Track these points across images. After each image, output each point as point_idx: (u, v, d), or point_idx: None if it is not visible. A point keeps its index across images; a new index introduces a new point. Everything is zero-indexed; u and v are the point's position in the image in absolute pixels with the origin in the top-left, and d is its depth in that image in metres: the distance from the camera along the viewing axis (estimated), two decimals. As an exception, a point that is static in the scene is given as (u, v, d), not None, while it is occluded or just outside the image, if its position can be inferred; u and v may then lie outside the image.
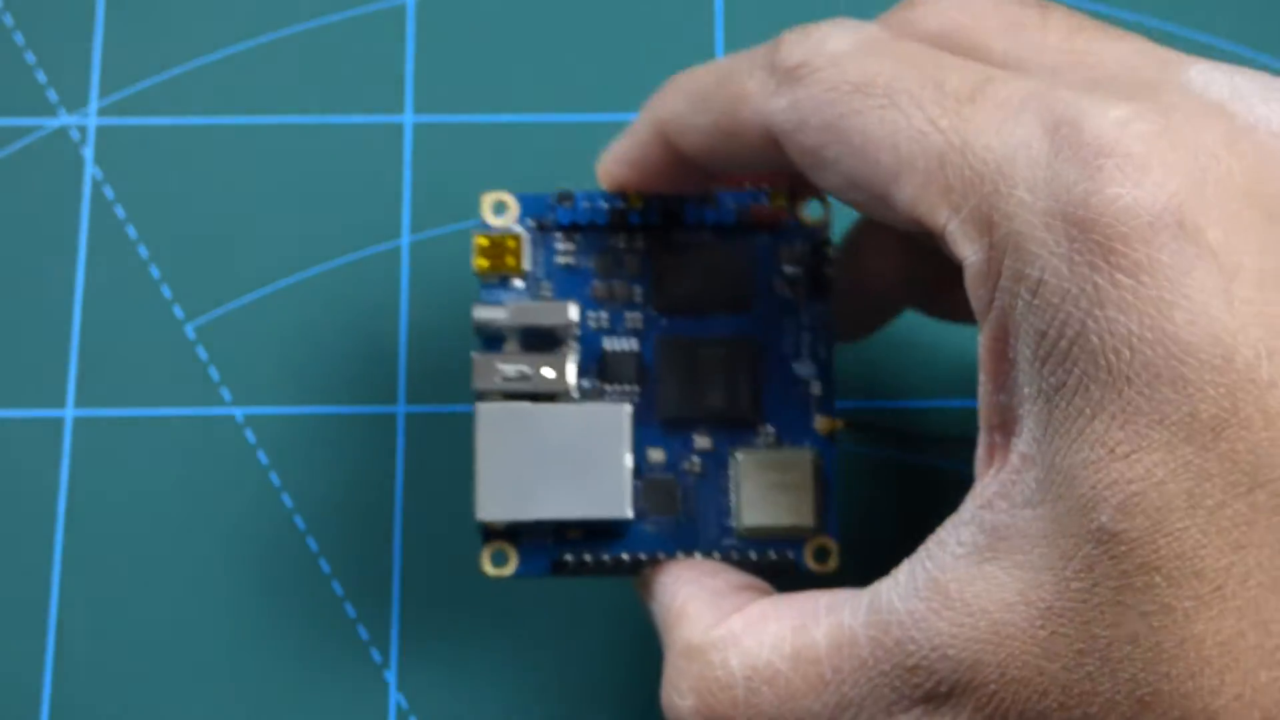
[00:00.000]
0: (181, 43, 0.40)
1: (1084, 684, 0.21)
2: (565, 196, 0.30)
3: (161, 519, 0.36)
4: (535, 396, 0.29)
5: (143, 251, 0.38)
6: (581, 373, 0.30)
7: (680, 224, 0.30)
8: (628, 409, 0.29)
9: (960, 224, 0.23)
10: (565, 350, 0.29)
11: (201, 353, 0.38)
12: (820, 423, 0.30)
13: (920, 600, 0.23)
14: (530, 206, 0.30)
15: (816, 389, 0.30)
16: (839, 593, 0.25)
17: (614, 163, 0.30)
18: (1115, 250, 0.21)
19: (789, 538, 0.29)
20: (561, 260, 0.30)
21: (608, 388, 0.30)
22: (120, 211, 0.38)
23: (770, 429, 0.30)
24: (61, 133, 0.39)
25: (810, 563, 0.29)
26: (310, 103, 0.39)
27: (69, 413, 0.37)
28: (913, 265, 0.32)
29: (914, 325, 0.35)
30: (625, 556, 0.29)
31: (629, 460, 0.29)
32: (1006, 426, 0.23)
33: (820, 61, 0.24)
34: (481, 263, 0.30)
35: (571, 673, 0.35)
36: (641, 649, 0.35)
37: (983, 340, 0.23)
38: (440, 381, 0.37)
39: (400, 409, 0.37)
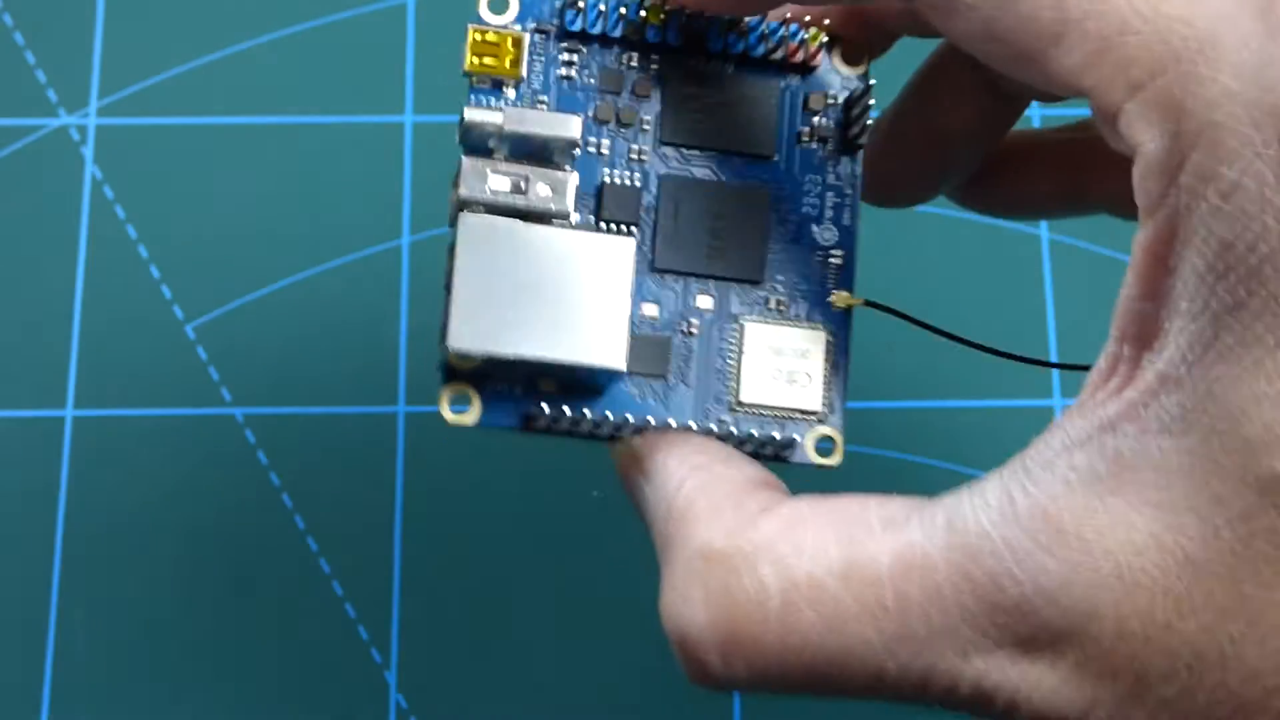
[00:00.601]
0: (181, 43, 0.40)
1: (1223, 649, 0.18)
2: (574, 2, 0.26)
3: (161, 519, 0.36)
4: (528, 215, 0.25)
5: (143, 251, 0.38)
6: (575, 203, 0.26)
7: (702, 50, 0.26)
8: (633, 244, 0.25)
9: (1140, 105, 0.19)
10: (570, 172, 0.25)
11: (201, 353, 0.38)
12: (838, 297, 0.26)
13: (1021, 529, 0.19)
14: (533, 6, 0.26)
15: (837, 258, 0.26)
16: (892, 500, 0.21)
17: None
18: None
19: (790, 419, 0.26)
20: (563, 72, 0.26)
21: (603, 226, 0.26)
22: (120, 211, 0.38)
23: (782, 296, 0.26)
24: (61, 133, 0.39)
25: (811, 453, 0.26)
26: (310, 103, 0.39)
27: (69, 413, 0.37)
28: (986, 126, 0.27)
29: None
30: (610, 416, 0.25)
31: (630, 304, 0.25)
32: (1144, 339, 0.20)
33: None
34: (473, 61, 0.26)
35: (571, 673, 0.35)
36: (643, 648, 0.35)
37: (1141, 239, 0.20)
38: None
39: (400, 409, 0.37)
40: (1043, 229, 0.40)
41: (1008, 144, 0.29)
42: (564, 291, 0.24)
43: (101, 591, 0.36)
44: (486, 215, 0.24)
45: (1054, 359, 0.39)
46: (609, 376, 0.25)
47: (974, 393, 0.38)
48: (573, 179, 0.25)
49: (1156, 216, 0.19)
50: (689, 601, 0.21)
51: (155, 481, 0.37)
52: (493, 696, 0.35)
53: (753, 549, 0.21)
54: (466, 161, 0.25)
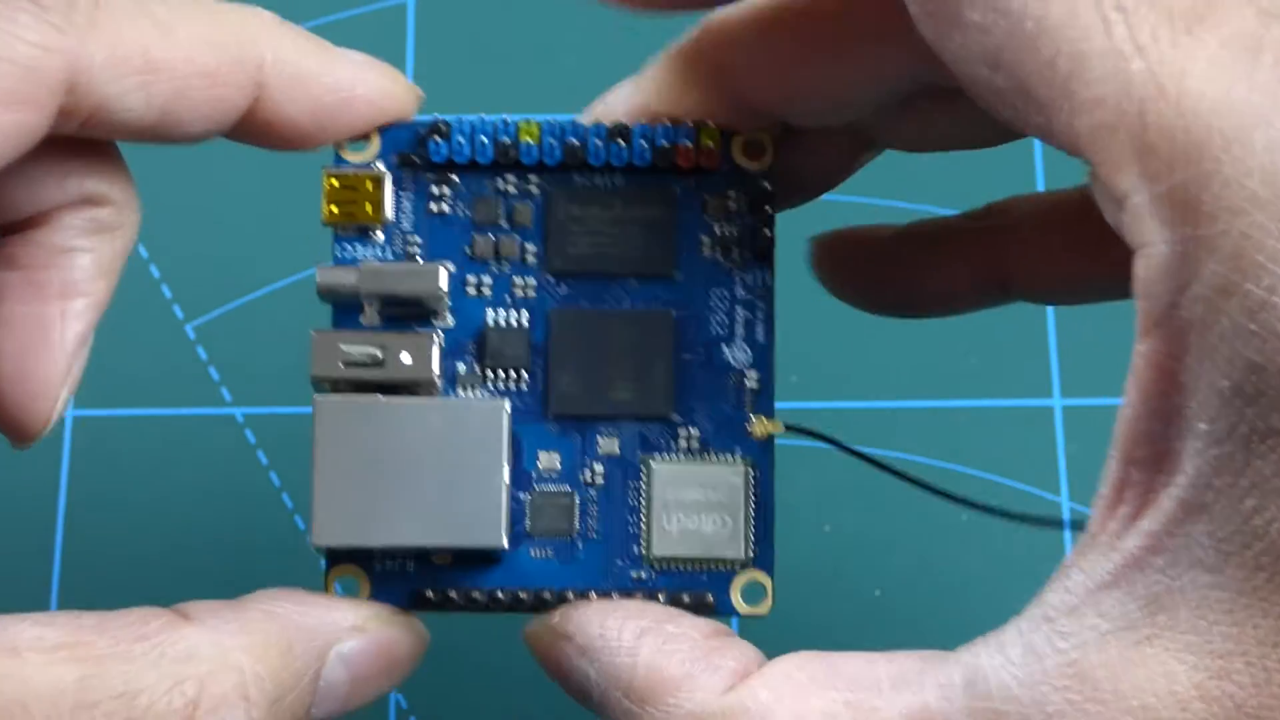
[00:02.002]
0: (181, 43, 0.40)
1: None
2: (438, 128, 0.24)
3: (161, 519, 0.36)
4: (390, 387, 0.23)
5: (143, 251, 0.38)
6: (455, 353, 0.24)
7: (583, 164, 0.24)
8: (505, 407, 0.23)
9: (1153, 200, 0.17)
10: (431, 329, 0.23)
11: (201, 353, 0.37)
12: (757, 424, 0.24)
13: (1052, 688, 0.18)
14: (396, 140, 0.24)
15: (752, 381, 0.24)
16: (899, 657, 0.20)
17: (624, 104, 0.24)
18: None
19: (712, 570, 0.24)
20: (434, 207, 0.24)
21: (489, 374, 0.24)
22: (120, 211, 0.38)
23: (693, 431, 0.24)
24: (61, 133, 0.39)
25: (738, 602, 0.24)
26: (310, 103, 0.39)
27: (69, 413, 0.37)
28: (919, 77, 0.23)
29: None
30: (501, 593, 0.23)
31: (506, 474, 0.23)
32: (1154, 461, 0.18)
33: None
34: (331, 211, 0.23)
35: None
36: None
37: (1145, 352, 0.18)
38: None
39: (400, 409, 0.37)
40: (1043, 229, 0.40)
41: (914, 234, 0.27)
42: (434, 467, 0.22)
43: (101, 591, 0.36)
44: (342, 396, 0.23)
45: (1054, 358, 0.39)
46: (496, 550, 0.23)
47: (974, 393, 0.38)
48: (435, 343, 0.23)
49: (1165, 327, 0.18)
50: None
51: (155, 481, 0.37)
52: (492, 696, 0.35)
53: (748, 716, 0.20)
54: (316, 336, 0.23)
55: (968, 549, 0.35)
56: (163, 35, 0.21)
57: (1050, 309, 0.39)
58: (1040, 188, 0.41)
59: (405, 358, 0.23)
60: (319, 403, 0.23)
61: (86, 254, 0.23)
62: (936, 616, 0.35)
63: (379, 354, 0.23)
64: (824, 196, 0.27)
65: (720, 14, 0.23)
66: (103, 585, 0.36)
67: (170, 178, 0.39)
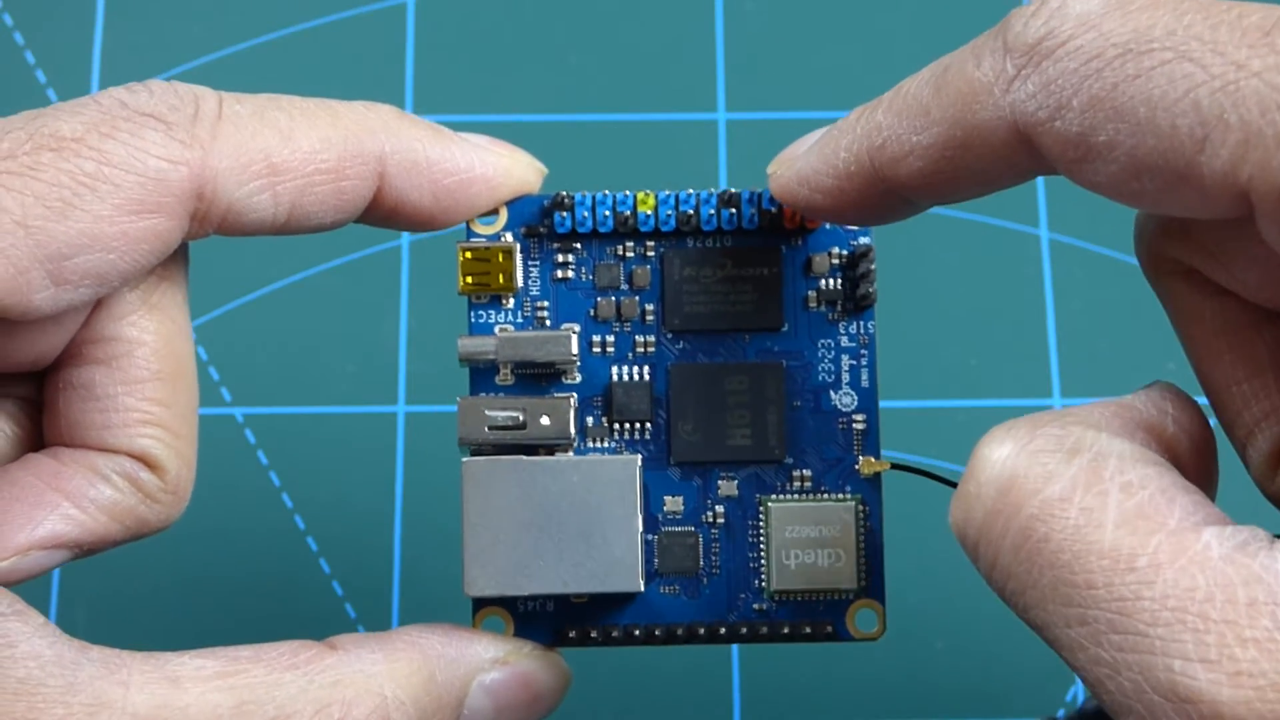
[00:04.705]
0: (181, 43, 0.40)
1: None
2: (561, 202, 0.26)
3: (161, 519, 0.36)
4: (530, 449, 0.25)
5: (143, 251, 0.38)
6: (583, 407, 0.26)
7: (696, 229, 0.26)
8: (637, 462, 0.25)
9: None
10: (563, 388, 0.26)
11: (201, 353, 0.38)
12: (865, 464, 0.26)
13: None
14: (521, 213, 0.26)
15: (859, 423, 0.26)
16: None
17: (800, 184, 0.24)
18: None
19: (828, 600, 0.25)
20: (559, 274, 0.26)
21: (616, 427, 0.26)
22: (120, 211, 0.38)
23: (805, 472, 0.26)
24: (61, 133, 0.39)
25: (853, 630, 0.25)
26: (310, 103, 0.39)
27: (69, 413, 0.37)
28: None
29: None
30: (638, 630, 0.25)
31: (640, 523, 0.25)
32: None
33: (1069, 27, 0.20)
34: (466, 281, 0.26)
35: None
36: (642, 658, 0.35)
37: None
38: (440, 381, 0.37)
39: (400, 409, 0.37)
40: (1043, 229, 0.40)
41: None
42: (574, 520, 0.25)
43: (101, 591, 0.36)
44: (488, 458, 0.25)
45: (1054, 358, 0.39)
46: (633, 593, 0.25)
47: (974, 393, 0.38)
48: (571, 406, 0.25)
49: None
50: None
51: (155, 481, 0.37)
52: None
53: None
54: (463, 404, 0.25)
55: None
56: (284, 140, 0.24)
57: (1050, 309, 0.39)
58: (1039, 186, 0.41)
59: (545, 420, 0.25)
60: (467, 465, 0.25)
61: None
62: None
63: (520, 417, 0.25)
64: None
65: (893, 156, 0.23)
66: (103, 585, 0.36)
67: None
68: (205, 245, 0.38)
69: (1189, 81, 0.18)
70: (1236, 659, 0.17)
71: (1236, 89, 0.18)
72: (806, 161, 0.24)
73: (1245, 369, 0.23)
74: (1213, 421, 0.23)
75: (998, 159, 0.21)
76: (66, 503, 0.23)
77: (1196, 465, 0.21)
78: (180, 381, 0.24)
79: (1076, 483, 0.19)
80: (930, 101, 0.21)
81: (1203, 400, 0.23)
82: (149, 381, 0.24)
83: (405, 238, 0.38)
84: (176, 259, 0.25)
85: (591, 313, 0.26)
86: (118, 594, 0.36)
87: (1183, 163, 0.19)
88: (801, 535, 0.25)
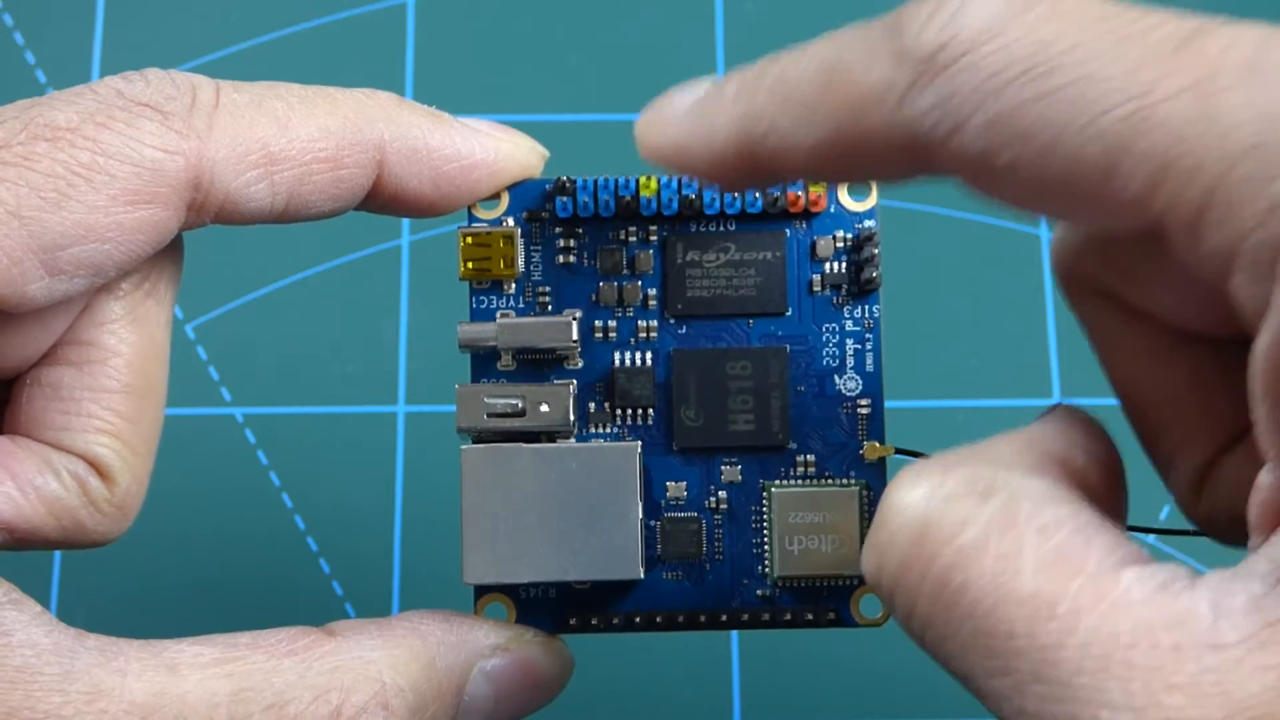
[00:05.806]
0: (181, 43, 0.40)
1: None
2: (563, 186, 0.26)
3: (162, 518, 0.36)
4: (530, 436, 0.25)
5: (143, 251, 0.38)
6: (585, 393, 0.25)
7: (699, 213, 0.26)
8: (637, 449, 0.25)
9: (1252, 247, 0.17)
10: (566, 384, 0.25)
11: (201, 353, 0.37)
12: (869, 449, 0.25)
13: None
14: (523, 197, 0.26)
15: (864, 408, 0.26)
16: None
17: (676, 154, 0.22)
18: None
19: (832, 585, 0.25)
20: (561, 259, 0.26)
21: (618, 412, 0.25)
22: (120, 211, 0.38)
23: (809, 458, 0.25)
24: (61, 133, 0.39)
25: (858, 614, 0.25)
26: (310, 103, 0.39)
27: (69, 413, 0.37)
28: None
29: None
30: (639, 616, 0.25)
31: (639, 510, 0.24)
32: None
33: (967, 38, 0.18)
34: (467, 267, 0.25)
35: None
36: (642, 646, 0.35)
37: None
38: (440, 381, 0.37)
39: (400, 409, 0.37)
40: (1043, 229, 0.40)
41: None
42: (574, 507, 0.24)
43: (101, 591, 0.36)
44: (487, 446, 0.24)
45: (1054, 358, 0.39)
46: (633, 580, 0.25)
47: (974, 392, 0.38)
48: (571, 394, 0.25)
49: None
50: None
51: (155, 481, 0.37)
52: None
53: None
54: (461, 391, 0.25)
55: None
56: (281, 129, 0.23)
57: (1050, 309, 0.39)
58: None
59: (544, 407, 0.25)
60: (466, 452, 0.24)
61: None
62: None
63: (519, 404, 0.25)
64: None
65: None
66: (103, 584, 0.36)
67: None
68: (206, 245, 0.38)
69: (1094, 108, 0.17)
70: (1163, 706, 0.17)
71: (1144, 118, 0.17)
72: (680, 130, 0.22)
73: (1164, 393, 0.22)
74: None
75: (890, 164, 0.20)
76: (10, 482, 0.23)
77: (1107, 495, 0.21)
78: (148, 401, 0.24)
79: (991, 528, 0.18)
80: (817, 101, 0.20)
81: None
82: (117, 393, 0.24)
83: (405, 238, 0.38)
84: (170, 255, 0.25)
85: (593, 298, 0.26)
86: (117, 593, 0.36)
87: (1090, 190, 0.18)
88: (805, 521, 0.25)
